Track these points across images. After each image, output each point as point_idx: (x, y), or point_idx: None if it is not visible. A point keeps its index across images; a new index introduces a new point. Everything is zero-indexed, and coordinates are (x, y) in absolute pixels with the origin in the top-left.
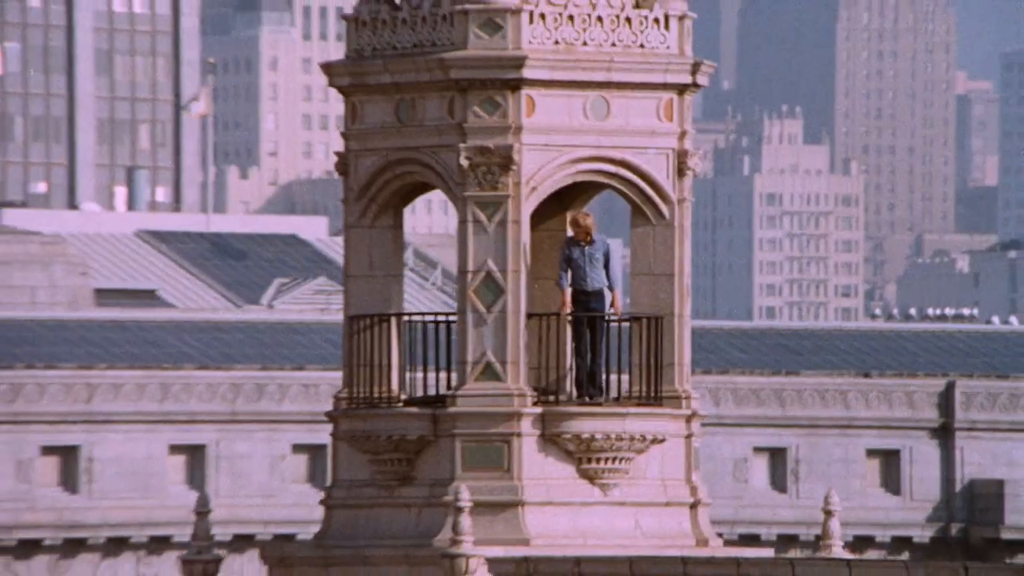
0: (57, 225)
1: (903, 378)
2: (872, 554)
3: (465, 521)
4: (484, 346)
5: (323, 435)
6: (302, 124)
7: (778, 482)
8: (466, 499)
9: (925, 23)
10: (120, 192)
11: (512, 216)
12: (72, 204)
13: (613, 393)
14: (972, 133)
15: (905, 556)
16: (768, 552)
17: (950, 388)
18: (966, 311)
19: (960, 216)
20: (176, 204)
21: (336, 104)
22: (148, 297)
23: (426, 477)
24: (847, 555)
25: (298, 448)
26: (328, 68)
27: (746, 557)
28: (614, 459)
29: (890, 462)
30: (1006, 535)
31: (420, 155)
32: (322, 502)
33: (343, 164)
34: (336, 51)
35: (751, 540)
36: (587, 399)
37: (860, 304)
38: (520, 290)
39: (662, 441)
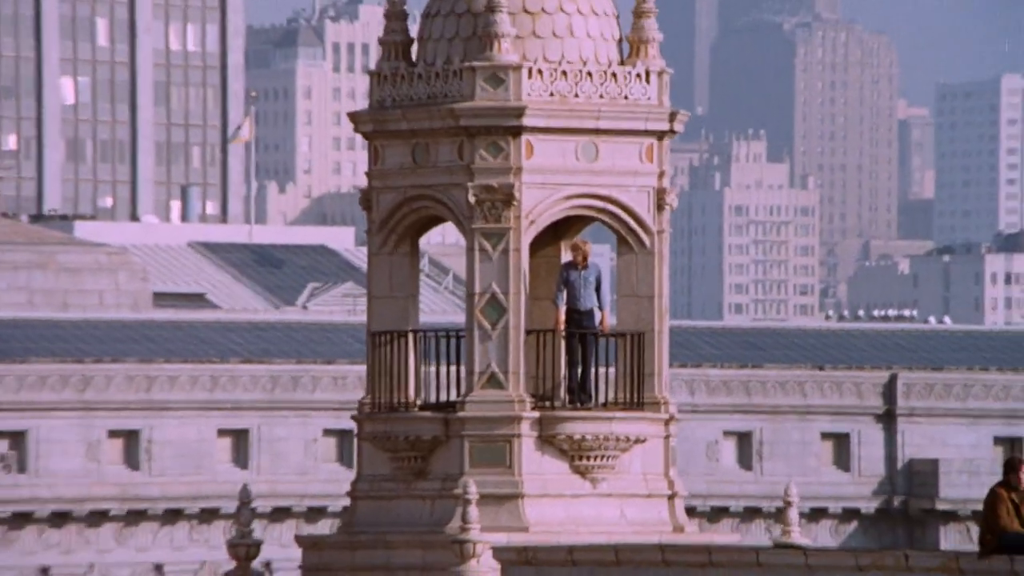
0: (120, 236)
1: (852, 371)
2: (826, 523)
3: (473, 511)
4: (489, 358)
5: (350, 421)
6: (332, 145)
7: (745, 461)
8: (473, 492)
9: (870, 58)
10: (175, 206)
11: (513, 245)
12: (134, 216)
13: (601, 399)
14: (911, 153)
15: (854, 525)
16: (735, 538)
17: (893, 379)
18: (907, 312)
19: (902, 224)
20: (223, 216)
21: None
22: (198, 300)
23: (438, 472)
24: (805, 542)
25: (328, 432)
26: (353, 117)
27: (716, 544)
28: (602, 457)
29: (841, 444)
30: (940, 506)
31: (433, 192)
32: (348, 494)
33: (367, 200)
34: (361, 82)
35: (721, 511)
36: (578, 405)
37: (816, 301)
38: (520, 309)
39: (644, 441)
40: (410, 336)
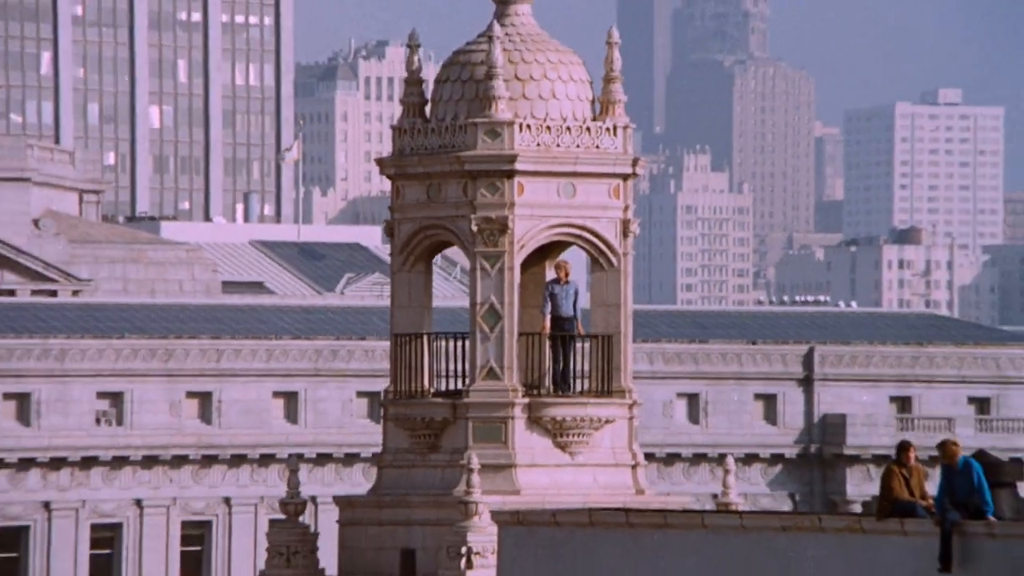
0: (195, 235)
1: (778, 345)
2: (757, 467)
3: (475, 478)
4: (488, 356)
5: (378, 385)
6: (364, 158)
7: (693, 417)
8: (476, 463)
9: (792, 88)
10: (239, 209)
11: (508, 265)
12: (207, 217)
13: (578, 388)
14: (825, 163)
15: (779, 468)
16: (685, 500)
17: (811, 351)
18: (822, 297)
19: (817, 221)
20: (277, 217)
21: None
22: (257, 288)
23: (448, 447)
24: (740, 502)
25: (360, 394)
26: (380, 162)
27: (670, 509)
28: (579, 434)
29: (769, 403)
30: (847, 451)
31: (444, 223)
32: (376, 464)
33: (390, 229)
34: (387, 107)
35: (674, 457)
36: (560, 393)
37: (750, 281)
38: (513, 316)
39: (612, 422)
40: (425, 338)
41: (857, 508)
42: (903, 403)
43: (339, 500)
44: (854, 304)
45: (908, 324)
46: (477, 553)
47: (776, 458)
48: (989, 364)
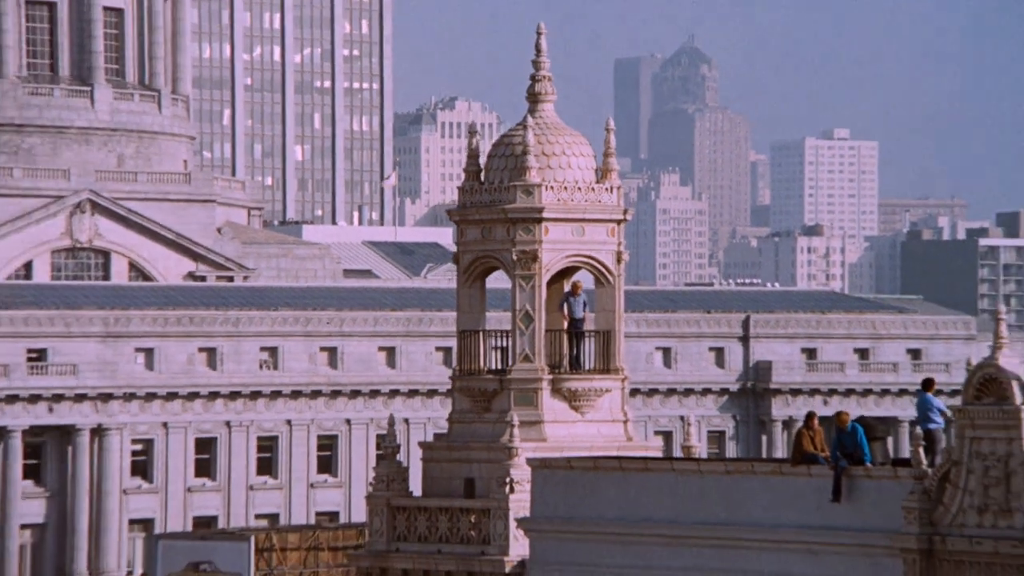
0: (325, 236)
1: (726, 313)
2: (711, 397)
3: (516, 431)
4: (524, 346)
5: (450, 342)
6: (440, 177)
7: (667, 364)
8: (516, 420)
9: (735, 127)
10: (355, 216)
11: (537, 283)
12: (333, 222)
13: (587, 367)
14: (758, 179)
15: (726, 398)
16: (659, 444)
17: (747, 318)
18: (756, 280)
19: (753, 219)
20: (381, 222)
21: (455, 167)
22: (368, 274)
23: (496, 408)
24: (699, 451)
25: (438, 349)
26: (449, 212)
27: (649, 456)
28: (587, 400)
29: (720, 353)
30: (772, 386)
31: (493, 254)
32: (448, 420)
33: (456, 258)
34: (456, 143)
35: (654, 391)
36: (574, 371)
37: (706, 262)
38: (541, 318)
39: (610, 391)
40: (480, 333)
41: (779, 426)
42: (810, 353)
43: (423, 444)
44: (777, 284)
45: (813, 297)
46: (517, 483)
47: (724, 391)
48: (867, 325)
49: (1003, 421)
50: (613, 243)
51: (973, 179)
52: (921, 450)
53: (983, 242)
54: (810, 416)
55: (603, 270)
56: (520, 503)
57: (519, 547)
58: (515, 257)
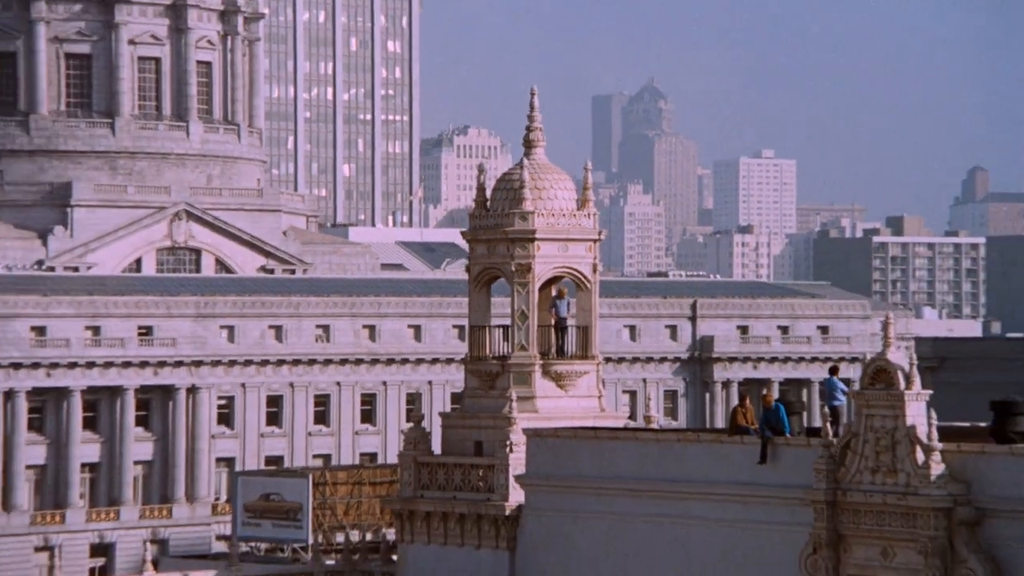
0: (365, 236)
1: (679, 299)
2: (666, 364)
3: (514, 404)
4: (520, 338)
5: (463, 321)
6: (456, 188)
7: (633, 338)
8: (514, 396)
9: (685, 148)
10: (389, 220)
11: (531, 289)
12: (373, 225)
13: (569, 354)
14: (704, 190)
15: (679, 364)
16: (625, 414)
17: (695, 302)
18: (701, 272)
19: (699, 219)
20: (410, 225)
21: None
22: (399, 268)
23: (499, 387)
24: (659, 423)
25: (455, 326)
26: (464, 233)
27: (618, 428)
28: (569, 380)
29: (673, 330)
30: (714, 355)
31: (496, 266)
32: (461, 395)
33: (467, 268)
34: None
35: (623, 359)
36: (559, 357)
37: (663, 255)
38: (534, 316)
39: (587, 373)
40: (487, 328)
41: (719, 386)
42: (743, 329)
43: (443, 415)
44: (718, 276)
45: (746, 286)
46: (515, 445)
47: (676, 359)
48: (787, 307)
49: (890, 402)
50: (590, 257)
51: (869, 188)
52: (828, 424)
53: (876, 239)
54: (743, 397)
55: (582, 278)
56: (518, 461)
57: (517, 495)
58: (513, 269)
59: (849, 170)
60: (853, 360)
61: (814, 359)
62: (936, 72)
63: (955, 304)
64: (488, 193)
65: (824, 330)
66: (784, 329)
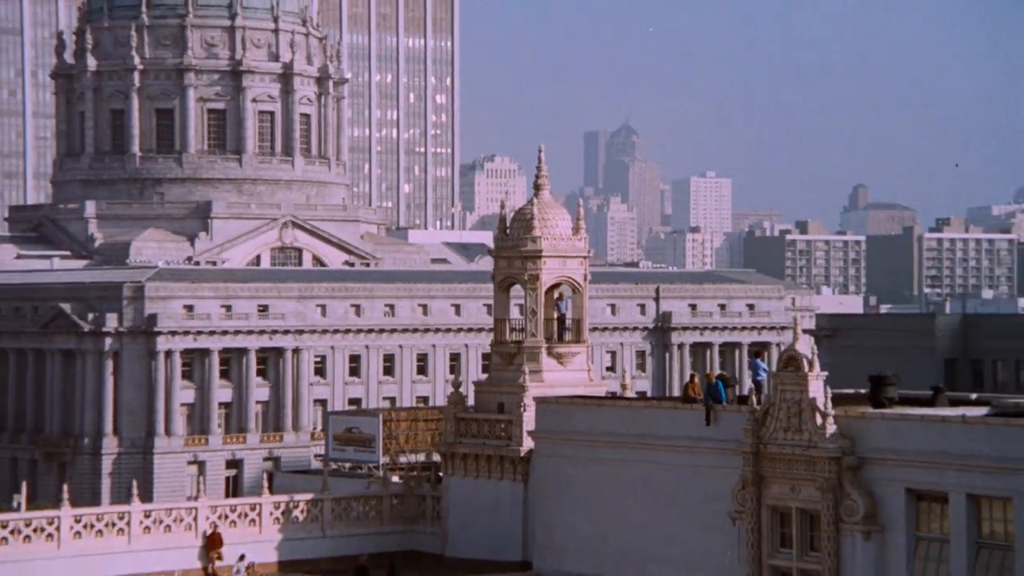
0: (420, 238)
1: (647, 285)
2: (637, 333)
3: (527, 377)
4: (531, 328)
5: (492, 301)
6: (486, 200)
7: (614, 313)
8: (527, 369)
9: (651, 171)
10: (437, 225)
11: (539, 292)
12: (425, 229)
13: (567, 339)
14: (665, 200)
15: (647, 331)
16: (610, 385)
17: (658, 287)
18: (662, 265)
19: (662, 222)
20: (452, 228)
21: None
22: (444, 262)
23: (516, 363)
24: (634, 393)
25: (485, 304)
26: (490, 251)
27: (602, 395)
28: (568, 358)
29: (643, 307)
30: (672, 326)
31: (514, 276)
32: (485, 369)
33: (493, 276)
34: (496, 183)
35: (605, 329)
36: (560, 341)
37: (635, 249)
38: (541, 312)
39: (580, 353)
40: (507, 320)
41: (675, 348)
42: (693, 307)
43: (475, 383)
44: (674, 268)
45: (695, 275)
46: (528, 406)
47: (645, 328)
48: (724, 290)
49: (798, 381)
50: (582, 270)
51: (783, 199)
52: (753, 396)
53: (788, 237)
54: (692, 377)
55: (576, 285)
56: (529, 418)
57: (528, 443)
58: (526, 278)
59: (769, 185)
60: (771, 329)
61: (743, 328)
62: (830, 110)
63: (844, 284)
64: (508, 222)
65: (751, 307)
66: (722, 306)
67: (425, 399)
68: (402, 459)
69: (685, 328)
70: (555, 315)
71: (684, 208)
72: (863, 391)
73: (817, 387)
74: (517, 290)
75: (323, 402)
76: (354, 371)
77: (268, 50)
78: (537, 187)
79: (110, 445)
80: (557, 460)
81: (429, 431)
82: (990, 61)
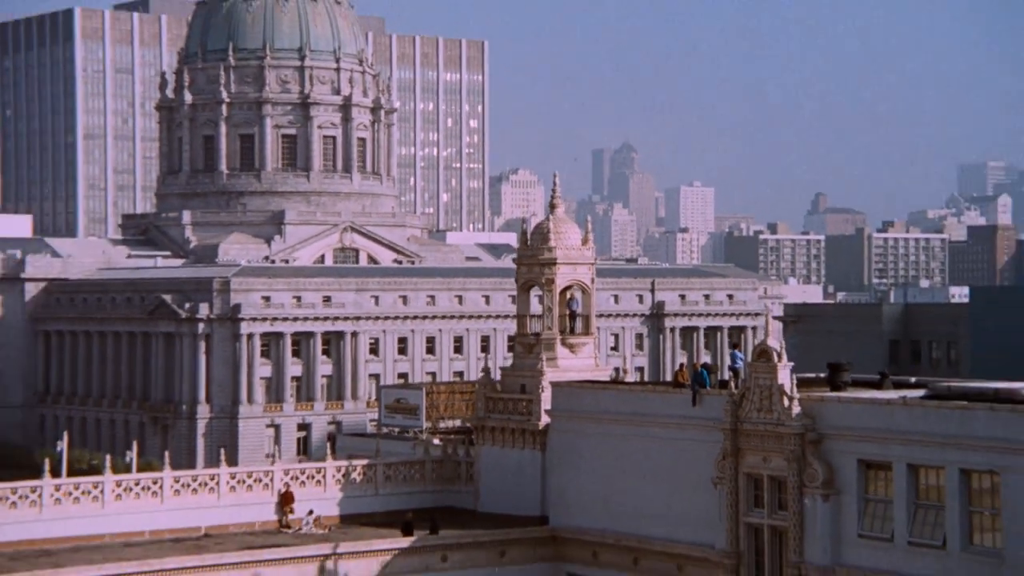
0: (455, 239)
1: (643, 279)
2: (636, 318)
3: (544, 363)
4: (548, 322)
5: (516, 293)
6: (511, 207)
7: (616, 302)
8: (544, 358)
9: (648, 183)
10: (470, 227)
11: (554, 293)
12: (461, 231)
13: (578, 330)
14: (659, 206)
15: (644, 317)
16: (611, 370)
17: (654, 280)
18: (656, 262)
19: (656, 224)
20: (483, 230)
21: (521, 201)
22: (477, 260)
23: (535, 352)
24: (632, 379)
25: (510, 296)
26: (513, 259)
27: (605, 380)
28: (579, 347)
29: (641, 297)
30: (666, 312)
31: (533, 279)
32: (512, 355)
33: (516, 280)
34: (520, 192)
35: (609, 315)
36: (572, 333)
37: (635, 246)
38: (556, 309)
39: (588, 344)
40: (527, 316)
41: (668, 331)
42: (683, 296)
43: (502, 369)
44: (667, 264)
45: (684, 270)
46: (545, 388)
47: (643, 315)
48: (708, 282)
49: (768, 370)
50: (590, 274)
51: (756, 204)
52: (732, 381)
53: (761, 237)
54: (681, 367)
55: (585, 287)
56: (546, 398)
57: (545, 419)
58: (543, 281)
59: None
60: (747, 315)
61: (724, 314)
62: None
63: (807, 276)
64: (528, 235)
65: (731, 296)
66: (707, 296)
67: (460, 374)
68: (441, 424)
69: (676, 315)
70: (568, 312)
71: (675, 212)
72: (822, 375)
73: (785, 375)
74: (536, 291)
75: (376, 376)
76: (402, 351)
77: (331, 85)
78: (552, 205)
79: (203, 411)
80: (569, 434)
81: (464, 401)
82: (927, 91)
